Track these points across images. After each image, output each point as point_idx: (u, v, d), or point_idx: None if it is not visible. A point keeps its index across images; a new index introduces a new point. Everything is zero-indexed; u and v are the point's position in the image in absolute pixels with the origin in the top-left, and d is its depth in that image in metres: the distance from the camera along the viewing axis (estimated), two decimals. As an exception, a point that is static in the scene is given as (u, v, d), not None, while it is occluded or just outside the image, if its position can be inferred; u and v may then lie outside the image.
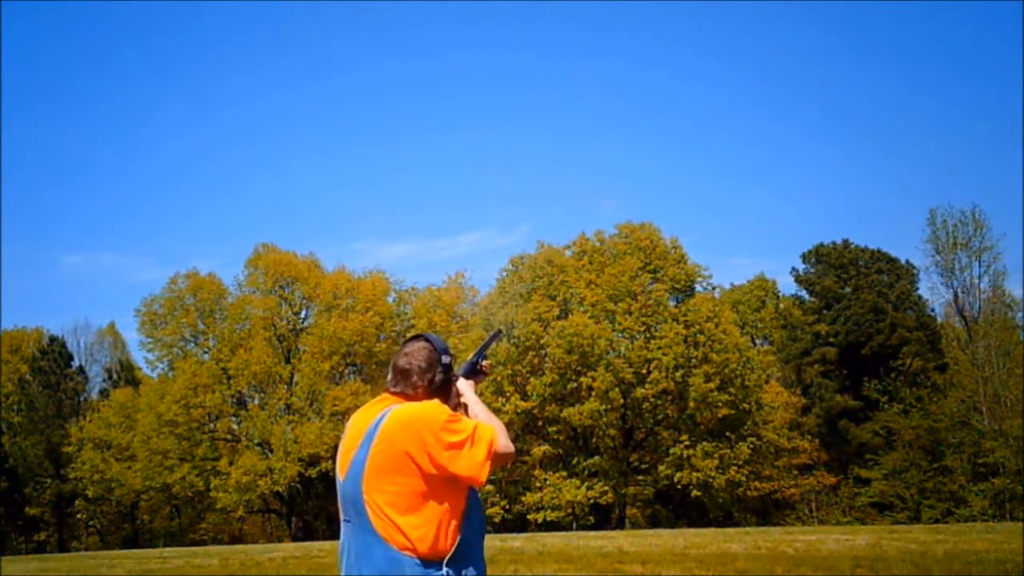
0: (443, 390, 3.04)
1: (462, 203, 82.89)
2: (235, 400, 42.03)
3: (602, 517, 37.00)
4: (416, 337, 3.10)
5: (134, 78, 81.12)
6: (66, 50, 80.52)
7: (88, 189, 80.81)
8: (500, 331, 3.79)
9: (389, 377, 3.05)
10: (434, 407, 2.87)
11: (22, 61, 76.94)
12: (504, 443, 2.88)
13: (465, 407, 3.12)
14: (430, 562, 2.75)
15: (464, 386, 3.19)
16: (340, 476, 2.93)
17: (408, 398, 2.96)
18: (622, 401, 35.58)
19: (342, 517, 2.95)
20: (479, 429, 2.85)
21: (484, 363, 3.38)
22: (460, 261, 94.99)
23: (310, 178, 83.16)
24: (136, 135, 79.79)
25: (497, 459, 2.85)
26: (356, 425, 2.95)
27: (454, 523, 2.82)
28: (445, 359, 3.04)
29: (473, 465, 2.79)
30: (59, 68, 79.72)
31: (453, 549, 2.81)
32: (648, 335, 36.52)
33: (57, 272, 78.49)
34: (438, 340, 3.07)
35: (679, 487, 36.02)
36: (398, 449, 2.77)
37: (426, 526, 2.76)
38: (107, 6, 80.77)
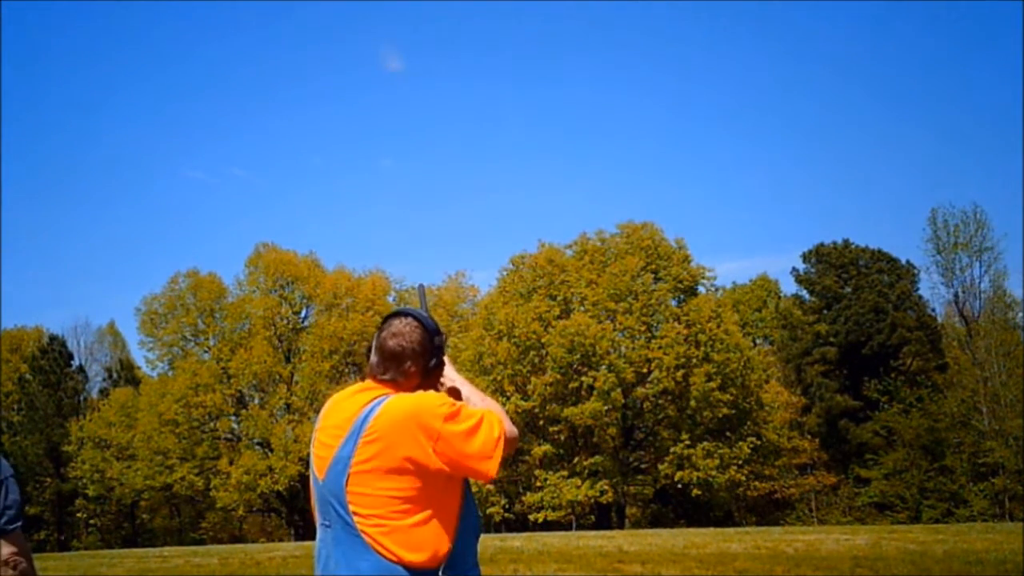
0: (435, 375, 2.70)
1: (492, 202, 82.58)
2: (235, 399, 42.08)
3: (602, 516, 37.01)
4: (400, 314, 2.70)
5: (133, 77, 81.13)
6: (66, 50, 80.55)
7: (88, 189, 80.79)
8: (422, 285, 3.34)
9: (374, 360, 2.66)
10: (434, 397, 2.56)
11: (23, 59, 76.97)
12: (510, 428, 2.60)
13: (451, 391, 2.76)
14: (424, 571, 2.46)
15: (451, 372, 2.81)
16: (318, 474, 2.58)
17: (399, 386, 2.62)
18: (623, 401, 35.60)
19: (319, 521, 2.61)
20: (486, 417, 2.55)
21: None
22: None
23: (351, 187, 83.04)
24: (135, 134, 79.76)
25: (507, 446, 2.56)
26: (337, 416, 2.59)
27: (450, 526, 2.52)
28: (438, 339, 2.68)
29: (485, 459, 2.51)
30: (60, 69, 79.73)
31: (448, 555, 2.51)
32: (649, 335, 36.55)
33: (57, 271, 78.55)
34: (426, 317, 2.69)
35: (679, 486, 36.04)
36: (394, 446, 2.46)
37: (421, 531, 2.47)
38: (107, 6, 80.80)
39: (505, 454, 2.56)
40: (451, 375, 2.81)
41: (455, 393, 2.75)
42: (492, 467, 2.51)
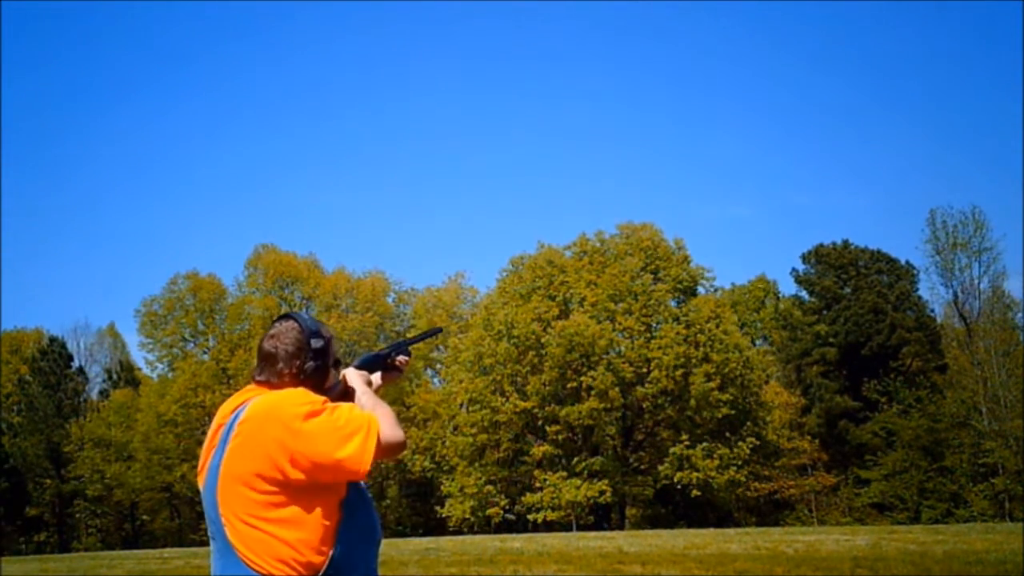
0: (315, 379, 2.57)
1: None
2: (235, 400, 42.10)
3: (602, 517, 36.99)
4: (285, 317, 2.65)
5: (134, 77, 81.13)
6: (68, 53, 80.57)
7: (89, 190, 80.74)
8: (440, 329, 3.35)
9: (255, 364, 2.60)
10: (295, 394, 2.44)
11: (23, 60, 76.96)
12: (389, 431, 2.42)
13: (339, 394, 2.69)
14: None
15: (353, 376, 2.73)
16: (199, 486, 2.49)
17: (273, 387, 2.51)
18: (622, 400, 35.60)
19: (209, 535, 2.50)
20: (354, 413, 2.43)
21: (400, 358, 2.90)
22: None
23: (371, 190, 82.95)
24: (135, 134, 79.75)
25: (381, 449, 2.39)
26: (215, 423, 2.51)
27: (326, 534, 2.36)
28: (315, 342, 2.56)
29: (351, 454, 2.35)
30: (60, 71, 79.72)
31: (327, 565, 2.36)
32: (648, 335, 36.55)
33: (57, 272, 78.51)
34: (309, 320, 2.62)
35: (679, 487, 36.03)
36: (255, 448, 2.34)
37: (286, 541, 2.32)
38: (108, 6, 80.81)
39: (380, 457, 2.41)
40: (353, 380, 2.72)
41: (343, 395, 2.67)
42: (360, 463, 2.36)
